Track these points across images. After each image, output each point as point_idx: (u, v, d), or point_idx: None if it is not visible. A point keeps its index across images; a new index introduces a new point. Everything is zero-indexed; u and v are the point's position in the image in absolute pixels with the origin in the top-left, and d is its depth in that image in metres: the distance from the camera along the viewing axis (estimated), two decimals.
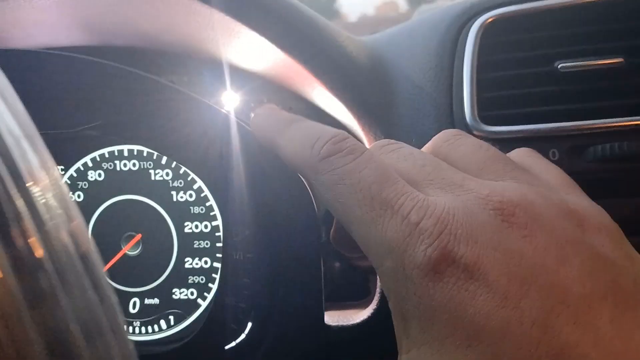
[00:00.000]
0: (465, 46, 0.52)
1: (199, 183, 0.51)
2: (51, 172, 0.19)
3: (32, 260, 0.15)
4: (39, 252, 0.16)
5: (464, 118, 0.50)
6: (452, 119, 0.50)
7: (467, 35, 0.52)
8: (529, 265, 0.24)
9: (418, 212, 0.26)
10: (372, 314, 0.52)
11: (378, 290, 0.53)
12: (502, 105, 0.50)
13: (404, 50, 0.55)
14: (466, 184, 0.28)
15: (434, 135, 0.50)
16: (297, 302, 0.47)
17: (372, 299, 0.55)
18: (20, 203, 0.16)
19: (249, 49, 0.56)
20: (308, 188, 0.48)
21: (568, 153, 0.47)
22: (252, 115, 0.40)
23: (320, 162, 0.30)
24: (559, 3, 0.51)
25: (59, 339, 0.16)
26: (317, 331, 0.47)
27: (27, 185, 0.16)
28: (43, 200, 0.17)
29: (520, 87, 0.50)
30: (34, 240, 0.15)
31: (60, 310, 0.16)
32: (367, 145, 0.53)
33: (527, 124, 0.48)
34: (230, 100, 0.65)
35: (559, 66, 0.49)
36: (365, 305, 0.59)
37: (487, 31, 0.51)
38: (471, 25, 0.52)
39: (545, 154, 0.47)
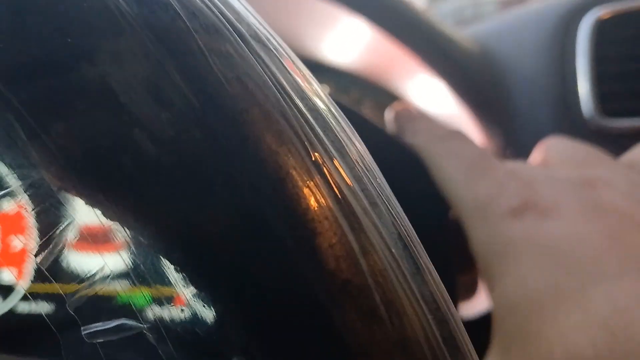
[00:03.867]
0: (580, 39, 0.52)
1: None
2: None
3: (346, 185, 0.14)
4: (335, 162, 0.14)
5: (583, 111, 0.50)
6: (570, 111, 0.50)
7: (582, 28, 0.52)
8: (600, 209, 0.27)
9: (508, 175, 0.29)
10: None
11: None
12: (622, 99, 0.50)
13: (515, 42, 0.56)
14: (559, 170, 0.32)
15: (552, 129, 0.51)
16: None
17: None
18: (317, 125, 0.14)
19: (344, 40, 0.56)
20: None
21: None
22: (392, 113, 0.38)
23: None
24: None
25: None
26: None
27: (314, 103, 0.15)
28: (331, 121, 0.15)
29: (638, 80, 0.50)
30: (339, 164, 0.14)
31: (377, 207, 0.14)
32: (477, 136, 0.53)
33: None
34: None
35: None
36: None
37: (603, 24, 0.51)
38: (587, 18, 0.52)
39: None
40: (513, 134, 0.51)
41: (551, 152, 0.35)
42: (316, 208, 0.13)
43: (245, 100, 0.12)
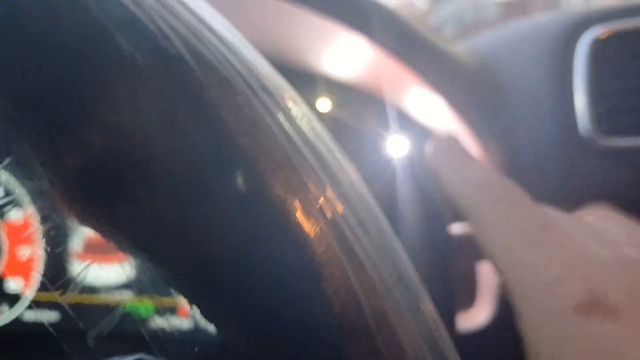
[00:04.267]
0: (579, 56, 0.53)
1: None
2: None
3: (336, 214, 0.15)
4: (339, 207, 0.15)
5: (583, 129, 0.50)
6: (570, 129, 0.51)
7: (580, 46, 0.53)
8: None
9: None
10: None
11: None
12: (622, 116, 0.50)
13: (513, 56, 0.56)
14: (619, 243, 0.31)
15: (552, 145, 0.51)
16: None
17: None
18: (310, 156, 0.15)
19: (343, 53, 0.57)
20: None
21: None
22: (432, 146, 0.36)
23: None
24: None
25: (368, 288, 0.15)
26: None
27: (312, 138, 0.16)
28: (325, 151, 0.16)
29: (638, 97, 0.51)
30: (332, 195, 0.15)
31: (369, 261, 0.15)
32: (474, 151, 0.54)
33: None
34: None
35: None
36: None
37: (602, 43, 0.52)
38: (586, 36, 0.53)
39: None
40: (511, 151, 0.52)
41: (608, 224, 0.34)
42: (321, 252, 0.13)
43: (254, 150, 0.13)
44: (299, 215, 0.13)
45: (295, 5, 0.51)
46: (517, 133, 0.53)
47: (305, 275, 0.13)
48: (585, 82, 0.51)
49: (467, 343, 0.52)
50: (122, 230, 0.12)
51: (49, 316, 0.32)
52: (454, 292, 0.46)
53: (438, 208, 0.46)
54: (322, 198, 0.14)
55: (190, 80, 0.12)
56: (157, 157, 0.12)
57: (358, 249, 0.14)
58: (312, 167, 0.14)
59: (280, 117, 0.14)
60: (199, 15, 0.14)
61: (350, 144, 0.46)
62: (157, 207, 0.12)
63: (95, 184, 0.12)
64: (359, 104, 0.64)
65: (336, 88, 0.61)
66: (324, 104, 0.65)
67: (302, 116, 0.16)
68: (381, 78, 0.61)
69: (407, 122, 0.63)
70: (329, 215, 0.14)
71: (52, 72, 0.11)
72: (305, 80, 0.64)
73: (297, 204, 0.13)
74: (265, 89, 0.14)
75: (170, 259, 0.13)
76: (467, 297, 0.58)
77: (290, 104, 0.15)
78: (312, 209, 0.14)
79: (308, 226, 0.13)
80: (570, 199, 0.50)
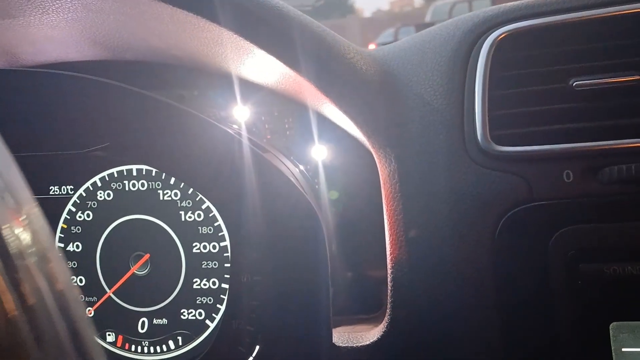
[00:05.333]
0: (477, 63, 0.51)
1: (207, 203, 0.51)
2: (29, 210, 0.18)
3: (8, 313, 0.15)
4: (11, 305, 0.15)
5: (476, 137, 0.49)
6: (464, 138, 0.49)
7: (479, 51, 0.51)
8: None
9: None
10: (383, 334, 0.51)
11: (389, 308, 0.52)
12: (515, 124, 0.49)
13: (415, 65, 0.55)
14: None
15: (445, 155, 0.50)
16: (306, 325, 0.46)
17: (383, 315, 0.54)
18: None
19: (258, 65, 0.56)
20: (316, 208, 0.47)
21: (583, 174, 0.46)
22: None
23: None
24: (573, 18, 0.49)
25: None
26: (325, 353, 0.47)
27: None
28: (16, 242, 0.16)
29: (533, 104, 0.49)
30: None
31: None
32: (377, 162, 0.52)
33: (540, 144, 0.47)
34: (241, 114, 0.65)
35: (573, 84, 0.48)
36: (375, 322, 0.58)
37: (499, 47, 0.50)
38: (483, 41, 0.51)
39: (559, 175, 0.46)
40: (406, 159, 0.51)
41: None
42: None
43: None
44: None
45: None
46: (414, 145, 0.51)
47: None
48: (482, 88, 0.50)
49: None
50: None
51: None
52: None
53: None
54: None
55: None
56: None
57: None
58: None
59: None
60: None
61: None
62: None
63: None
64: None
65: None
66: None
67: None
68: (285, 87, 0.60)
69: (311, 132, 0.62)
70: None
71: None
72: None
73: None
74: None
75: None
76: None
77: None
78: None
79: None
80: (459, 209, 0.48)
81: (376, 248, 0.58)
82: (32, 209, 0.18)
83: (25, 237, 0.17)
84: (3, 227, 0.16)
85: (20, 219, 0.17)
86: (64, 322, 0.16)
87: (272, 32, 0.49)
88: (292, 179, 0.48)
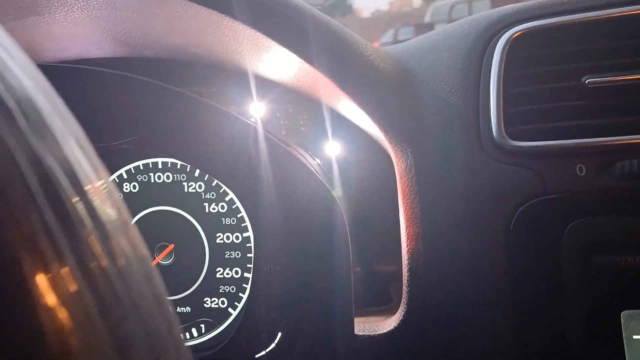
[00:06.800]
0: (492, 61, 0.52)
1: (231, 195, 0.53)
2: (104, 179, 0.19)
3: (99, 270, 0.16)
4: (104, 261, 0.16)
5: (491, 133, 0.50)
6: (479, 133, 0.51)
7: (493, 50, 0.53)
8: None
9: None
10: (399, 324, 0.53)
11: (405, 298, 0.54)
12: (529, 120, 0.50)
13: (430, 63, 0.56)
14: None
15: (460, 150, 0.51)
16: (327, 313, 0.48)
17: (397, 306, 0.56)
18: (82, 209, 0.16)
19: (275, 61, 0.57)
20: (337, 200, 0.49)
21: (596, 169, 0.47)
22: None
23: None
24: (586, 17, 0.51)
25: (125, 347, 0.16)
26: (346, 341, 0.48)
27: (86, 191, 0.17)
28: (101, 207, 0.17)
29: (547, 101, 0.50)
30: (99, 249, 0.16)
31: (126, 321, 0.16)
32: (393, 157, 0.54)
33: (554, 139, 0.49)
34: (257, 110, 0.67)
35: (586, 81, 0.49)
36: (389, 313, 0.60)
37: (513, 45, 0.52)
38: (498, 40, 0.53)
39: (572, 170, 0.48)
40: (423, 154, 0.52)
41: None
42: None
43: None
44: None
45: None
46: (429, 140, 0.53)
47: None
48: (497, 86, 0.51)
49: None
50: None
51: None
52: None
53: None
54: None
55: None
56: None
57: None
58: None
59: None
60: None
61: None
62: None
63: None
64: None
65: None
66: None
67: None
68: (301, 84, 0.61)
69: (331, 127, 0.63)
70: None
71: None
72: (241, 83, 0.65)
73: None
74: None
75: None
76: None
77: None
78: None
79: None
80: (474, 202, 0.50)
81: (388, 243, 0.59)
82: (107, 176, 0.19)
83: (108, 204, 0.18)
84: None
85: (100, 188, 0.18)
86: (150, 290, 0.18)
87: (286, 24, 0.51)
88: (313, 171, 0.49)
